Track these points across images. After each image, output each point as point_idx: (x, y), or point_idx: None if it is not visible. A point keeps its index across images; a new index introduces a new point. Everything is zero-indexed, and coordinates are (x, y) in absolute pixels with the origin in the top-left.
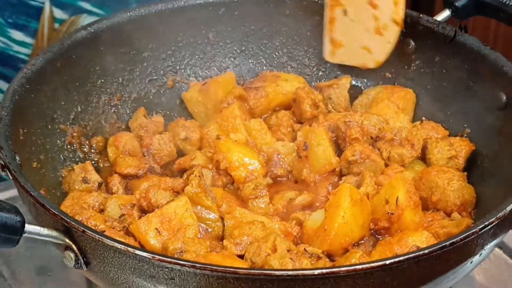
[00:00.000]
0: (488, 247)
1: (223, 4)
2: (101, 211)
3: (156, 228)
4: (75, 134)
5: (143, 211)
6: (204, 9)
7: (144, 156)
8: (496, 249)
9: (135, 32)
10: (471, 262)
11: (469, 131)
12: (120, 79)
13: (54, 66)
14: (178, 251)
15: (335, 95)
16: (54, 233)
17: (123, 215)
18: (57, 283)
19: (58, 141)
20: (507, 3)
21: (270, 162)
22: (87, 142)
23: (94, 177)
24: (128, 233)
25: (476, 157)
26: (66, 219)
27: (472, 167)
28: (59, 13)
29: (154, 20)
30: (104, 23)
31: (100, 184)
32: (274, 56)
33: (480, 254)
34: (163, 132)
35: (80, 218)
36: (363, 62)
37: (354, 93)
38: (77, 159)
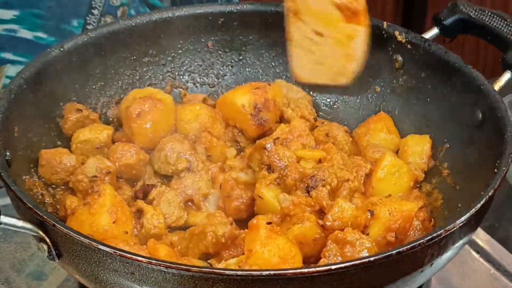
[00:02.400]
0: (441, 258)
1: (222, 14)
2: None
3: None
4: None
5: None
6: (204, 18)
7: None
8: (474, 253)
9: (136, 38)
10: (421, 272)
11: (448, 146)
12: (120, 82)
13: (54, 68)
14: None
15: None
16: (28, 225)
17: (95, 176)
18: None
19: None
20: (490, 23)
21: None
22: None
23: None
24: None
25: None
26: (39, 212)
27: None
28: None
29: (155, 28)
30: (106, 29)
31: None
32: (271, 66)
33: (432, 265)
34: None
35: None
36: (333, 79)
37: (350, 108)
38: None
